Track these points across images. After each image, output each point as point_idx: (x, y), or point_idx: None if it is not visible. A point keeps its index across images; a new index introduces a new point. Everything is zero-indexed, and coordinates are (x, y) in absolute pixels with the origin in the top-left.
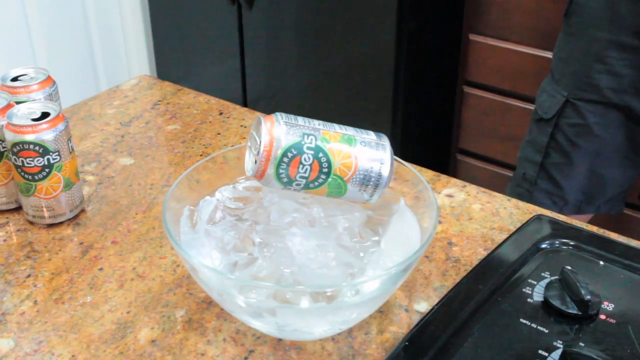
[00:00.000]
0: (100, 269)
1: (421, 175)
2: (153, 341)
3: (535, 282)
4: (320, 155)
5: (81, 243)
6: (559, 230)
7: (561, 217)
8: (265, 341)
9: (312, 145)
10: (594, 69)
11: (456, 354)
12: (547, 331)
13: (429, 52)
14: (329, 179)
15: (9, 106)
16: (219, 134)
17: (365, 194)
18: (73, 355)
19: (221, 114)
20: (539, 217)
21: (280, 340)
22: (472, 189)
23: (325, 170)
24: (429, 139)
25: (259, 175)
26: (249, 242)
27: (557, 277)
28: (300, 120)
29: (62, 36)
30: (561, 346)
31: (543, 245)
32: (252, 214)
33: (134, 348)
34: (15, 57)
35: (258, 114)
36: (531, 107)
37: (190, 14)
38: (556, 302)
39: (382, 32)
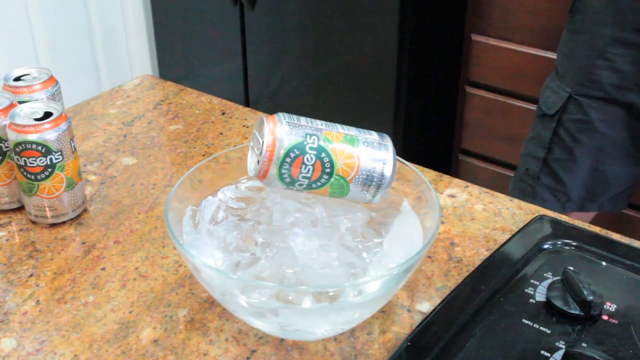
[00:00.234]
0: (103, 269)
1: (423, 175)
2: (155, 341)
3: (538, 283)
4: (323, 155)
5: (84, 243)
6: (562, 230)
7: (563, 218)
8: (267, 341)
9: (315, 146)
10: (597, 65)
11: (458, 354)
12: (549, 332)
13: (431, 52)
14: (332, 179)
15: (11, 106)
16: (221, 134)
17: (367, 194)
18: (75, 355)
19: (223, 114)
20: (541, 218)
21: (282, 340)
22: (475, 189)
23: (328, 170)
24: (431, 139)
25: (262, 175)
26: (251, 242)
27: (559, 277)
28: (303, 120)
29: (65, 36)
30: (563, 347)
31: (545, 246)
32: (255, 214)
33: (136, 348)
34: (18, 56)
35: (260, 114)
36: (533, 107)
37: (192, 14)
38: (558, 303)
39: (384, 32)
